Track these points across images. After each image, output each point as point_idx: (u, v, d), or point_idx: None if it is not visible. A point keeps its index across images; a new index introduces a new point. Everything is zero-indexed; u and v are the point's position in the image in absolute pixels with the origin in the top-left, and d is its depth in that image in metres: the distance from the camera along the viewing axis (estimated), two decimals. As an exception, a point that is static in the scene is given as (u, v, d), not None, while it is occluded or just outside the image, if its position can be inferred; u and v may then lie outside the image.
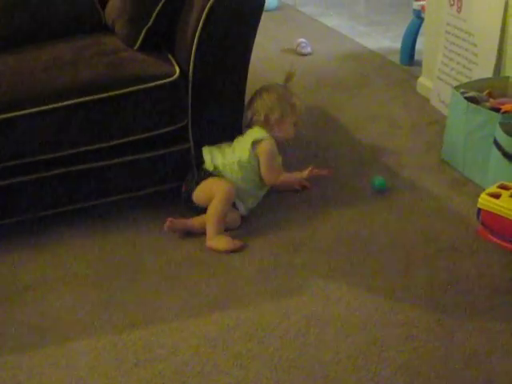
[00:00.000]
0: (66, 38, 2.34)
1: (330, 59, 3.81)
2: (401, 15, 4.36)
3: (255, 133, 2.19)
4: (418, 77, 3.27)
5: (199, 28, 2.04)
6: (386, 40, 4.08)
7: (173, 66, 2.13)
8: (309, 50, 3.91)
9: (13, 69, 2.16)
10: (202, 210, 2.13)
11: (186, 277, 1.97)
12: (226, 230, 2.12)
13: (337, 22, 4.55)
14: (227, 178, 2.14)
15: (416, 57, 3.62)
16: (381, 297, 1.83)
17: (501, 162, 2.13)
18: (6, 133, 2.00)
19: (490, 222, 2.03)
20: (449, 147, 2.49)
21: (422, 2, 3.43)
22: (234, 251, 2.06)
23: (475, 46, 2.66)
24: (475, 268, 1.93)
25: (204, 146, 2.20)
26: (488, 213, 2.02)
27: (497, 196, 2.02)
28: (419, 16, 3.49)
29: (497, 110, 2.26)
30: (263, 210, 2.25)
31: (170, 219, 2.12)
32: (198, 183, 2.14)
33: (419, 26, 3.54)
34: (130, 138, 2.11)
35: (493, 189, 2.06)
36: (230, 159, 2.16)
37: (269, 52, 3.90)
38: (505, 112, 2.23)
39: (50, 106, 1.99)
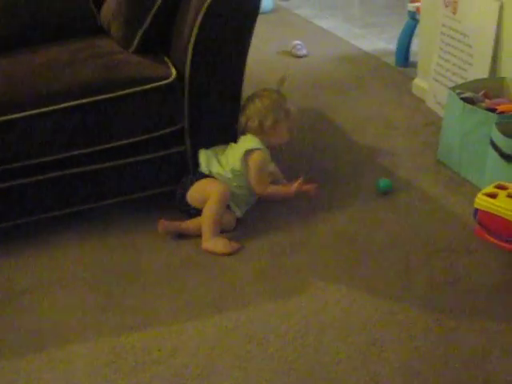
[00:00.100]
0: (61, 41, 2.34)
1: (325, 61, 3.81)
2: (396, 17, 4.37)
3: (248, 142, 2.18)
4: (413, 78, 3.28)
5: (195, 30, 2.03)
6: (381, 42, 4.09)
7: (169, 68, 2.13)
8: (304, 52, 3.91)
9: (8, 71, 2.16)
10: (196, 214, 2.13)
11: (183, 279, 1.97)
12: (222, 231, 2.11)
13: (332, 24, 4.56)
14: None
15: (411, 58, 3.62)
16: (380, 297, 1.83)
17: (497, 162, 2.13)
18: (0, 135, 1.99)
19: (487, 221, 2.03)
20: (445, 148, 2.50)
21: (416, 4, 3.43)
22: (231, 253, 2.05)
23: (470, 47, 2.67)
24: (473, 268, 1.93)
25: (200, 148, 2.20)
26: (485, 213, 2.03)
27: (494, 196, 2.02)
28: (414, 17, 3.50)
29: (493, 110, 2.27)
30: (259, 212, 2.25)
31: (161, 221, 2.12)
32: (192, 184, 2.14)
33: (414, 27, 3.55)
34: (127, 141, 2.10)
35: (490, 189, 2.06)
36: (224, 167, 2.16)
37: (264, 54, 3.90)
38: (501, 112, 2.24)
39: (46, 109, 1.98)
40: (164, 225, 2.13)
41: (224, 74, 2.17)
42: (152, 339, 1.74)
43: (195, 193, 2.14)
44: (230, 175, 2.15)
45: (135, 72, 2.10)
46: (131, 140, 2.10)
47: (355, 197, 2.33)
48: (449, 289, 1.85)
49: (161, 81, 2.06)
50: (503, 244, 2.00)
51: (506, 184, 2.06)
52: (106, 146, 2.09)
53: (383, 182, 2.34)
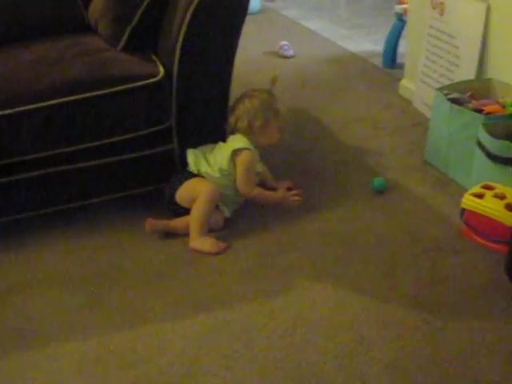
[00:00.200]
0: (48, 38, 2.33)
1: (312, 62, 3.82)
2: (383, 18, 4.39)
3: (237, 142, 2.17)
4: (400, 79, 3.29)
5: (184, 28, 2.03)
6: (369, 43, 4.11)
7: (157, 66, 2.12)
8: (291, 52, 3.92)
9: (-5, 69, 2.14)
10: (184, 213, 2.12)
11: (170, 278, 1.96)
12: (209, 231, 2.11)
13: (319, 26, 4.57)
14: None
15: (398, 60, 3.64)
16: (367, 297, 1.83)
17: (484, 162, 2.14)
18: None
19: (474, 221, 2.04)
20: (432, 148, 2.51)
21: (404, 6, 3.45)
22: (218, 253, 2.05)
23: (457, 48, 2.68)
24: (460, 268, 1.93)
25: (188, 147, 2.19)
26: (472, 213, 2.03)
27: (480, 196, 2.03)
28: (401, 19, 3.52)
29: (479, 111, 2.28)
30: (247, 212, 2.24)
31: (149, 220, 2.12)
32: (181, 183, 2.13)
33: (401, 29, 3.56)
34: (114, 139, 2.08)
35: (476, 189, 2.07)
36: (212, 167, 2.15)
37: (251, 55, 3.91)
38: (488, 113, 2.25)
39: (33, 106, 1.96)
40: (151, 223, 2.12)
41: (212, 72, 2.17)
42: (138, 338, 1.72)
43: (184, 192, 2.13)
44: (217, 174, 2.14)
45: (123, 70, 2.09)
46: (118, 138, 2.09)
47: (342, 197, 2.33)
48: (436, 288, 1.85)
49: (148, 79, 2.05)
50: (490, 244, 2.01)
51: (493, 184, 2.07)
52: (93, 143, 2.07)
53: (378, 182, 2.35)
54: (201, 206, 2.07)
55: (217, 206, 2.14)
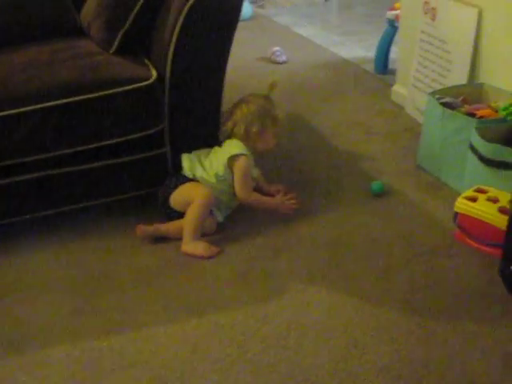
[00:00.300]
0: (40, 41, 2.31)
1: (305, 68, 3.82)
2: (374, 25, 4.40)
3: (233, 147, 2.16)
4: (392, 85, 3.30)
5: (176, 32, 2.02)
6: (360, 49, 4.11)
7: (149, 69, 2.11)
8: (284, 58, 3.92)
9: (-14, 72, 2.12)
10: (178, 217, 2.11)
11: (162, 282, 1.94)
12: (202, 235, 2.10)
13: (311, 32, 4.58)
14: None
15: (390, 66, 3.65)
16: (361, 300, 1.82)
17: (477, 166, 2.14)
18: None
19: (467, 225, 2.04)
20: (424, 152, 2.51)
21: (395, 12, 3.46)
22: (210, 257, 2.04)
23: (449, 53, 2.69)
24: (453, 271, 1.93)
25: (181, 151, 2.18)
26: (465, 216, 2.03)
27: (474, 199, 2.03)
28: (393, 25, 3.53)
29: (472, 115, 2.28)
30: (240, 216, 2.23)
31: (139, 226, 2.11)
32: (175, 187, 2.12)
33: (393, 35, 3.57)
34: (106, 142, 2.07)
35: (469, 192, 2.07)
36: (208, 172, 2.14)
37: (243, 60, 3.90)
38: (480, 117, 2.25)
39: (24, 109, 1.95)
40: (141, 229, 2.11)
41: (205, 76, 2.16)
42: (130, 342, 1.71)
43: (179, 196, 2.12)
44: (213, 179, 2.13)
45: (115, 73, 2.08)
46: (110, 141, 2.08)
47: (335, 201, 2.33)
48: (429, 292, 1.85)
49: (141, 82, 2.05)
50: (483, 247, 2.01)
51: (486, 188, 2.07)
52: (85, 147, 2.06)
53: (376, 185, 2.35)
54: (196, 210, 2.06)
55: (210, 211, 2.13)
